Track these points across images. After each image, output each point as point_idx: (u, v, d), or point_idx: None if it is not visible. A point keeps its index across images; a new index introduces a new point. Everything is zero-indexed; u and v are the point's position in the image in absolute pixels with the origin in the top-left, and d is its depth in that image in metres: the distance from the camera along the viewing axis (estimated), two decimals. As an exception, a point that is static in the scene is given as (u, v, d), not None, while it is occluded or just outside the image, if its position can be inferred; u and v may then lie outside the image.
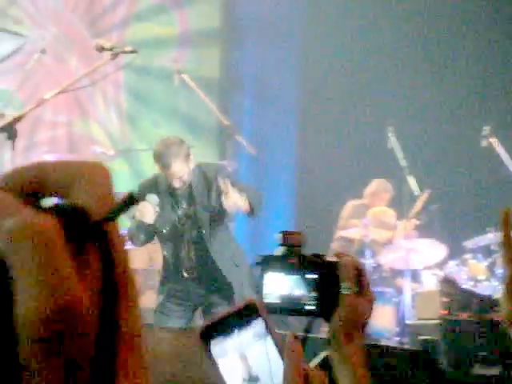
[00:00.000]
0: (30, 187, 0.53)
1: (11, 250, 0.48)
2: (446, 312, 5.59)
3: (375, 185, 7.70)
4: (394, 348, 4.95)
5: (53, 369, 0.48)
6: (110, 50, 4.26)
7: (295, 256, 1.54)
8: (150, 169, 8.44)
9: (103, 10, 8.82)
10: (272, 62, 9.53)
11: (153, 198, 4.95)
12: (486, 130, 6.99)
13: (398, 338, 6.48)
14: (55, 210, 0.51)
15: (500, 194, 7.28)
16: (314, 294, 1.53)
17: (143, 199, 4.88)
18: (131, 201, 0.52)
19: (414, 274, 7.03)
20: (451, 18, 9.25)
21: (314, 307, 1.52)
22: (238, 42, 9.62)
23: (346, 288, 1.48)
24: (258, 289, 1.54)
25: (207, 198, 5.07)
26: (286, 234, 1.56)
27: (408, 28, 9.32)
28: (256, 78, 9.58)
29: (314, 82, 9.46)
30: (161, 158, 4.92)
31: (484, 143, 6.99)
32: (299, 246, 1.55)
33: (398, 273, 7.19)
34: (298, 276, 1.54)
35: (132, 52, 4.29)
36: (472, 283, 6.47)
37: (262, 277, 1.54)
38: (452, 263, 6.87)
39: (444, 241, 7.09)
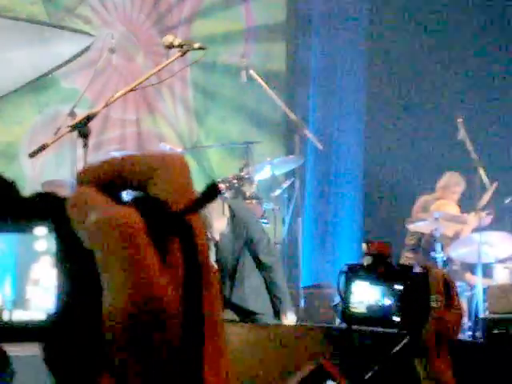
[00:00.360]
0: (111, 181, 0.53)
1: (97, 243, 0.49)
2: (520, 306, 5.49)
3: (447, 178, 7.59)
4: (468, 342, 4.88)
5: (138, 361, 0.49)
6: (180, 46, 4.27)
7: (383, 266, 1.53)
8: (218, 165, 8.54)
9: (169, 7, 8.88)
10: (338, 56, 9.47)
11: None
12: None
13: (470, 333, 6.40)
14: (136, 203, 0.51)
15: None
16: (400, 305, 1.51)
17: None
18: (213, 192, 0.52)
19: (486, 267, 6.93)
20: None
21: (399, 318, 1.51)
22: (305, 35, 9.58)
23: (436, 301, 1.47)
24: (344, 298, 1.54)
25: (231, 245, 5.15)
26: (372, 243, 1.55)
27: (477, 16, 9.17)
28: (323, 72, 9.53)
29: (380, 74, 9.38)
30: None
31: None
32: (387, 256, 1.54)
33: (468, 266, 7.10)
34: (384, 286, 1.53)
35: (200, 49, 4.30)
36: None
37: (349, 285, 1.54)
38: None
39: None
